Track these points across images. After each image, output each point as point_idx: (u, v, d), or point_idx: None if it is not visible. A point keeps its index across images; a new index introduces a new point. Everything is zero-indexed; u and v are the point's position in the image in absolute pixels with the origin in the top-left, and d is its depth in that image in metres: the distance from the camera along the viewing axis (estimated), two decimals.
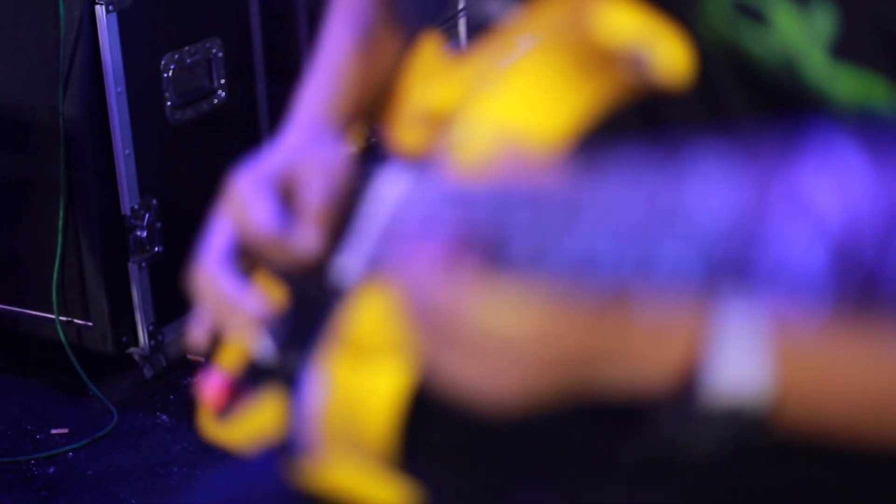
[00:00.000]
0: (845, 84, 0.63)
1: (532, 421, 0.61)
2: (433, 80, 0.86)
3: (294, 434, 0.81)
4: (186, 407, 2.43)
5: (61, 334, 2.44)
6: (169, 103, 2.47)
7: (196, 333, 0.88)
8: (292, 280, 0.86)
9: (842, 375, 0.56)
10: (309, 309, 0.84)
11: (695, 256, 0.50)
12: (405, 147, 0.85)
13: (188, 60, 2.50)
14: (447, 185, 0.68)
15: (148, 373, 2.51)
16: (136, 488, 2.21)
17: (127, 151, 2.37)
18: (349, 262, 0.82)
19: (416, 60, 0.90)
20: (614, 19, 0.66)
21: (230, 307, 0.84)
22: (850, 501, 0.71)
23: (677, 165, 0.52)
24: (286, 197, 0.86)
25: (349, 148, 0.90)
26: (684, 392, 0.56)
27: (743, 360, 0.55)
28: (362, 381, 0.74)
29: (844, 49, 0.62)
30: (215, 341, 0.89)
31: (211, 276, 0.85)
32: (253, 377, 0.88)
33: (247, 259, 0.87)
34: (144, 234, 2.44)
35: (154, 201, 2.46)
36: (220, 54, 2.58)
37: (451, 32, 0.97)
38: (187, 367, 2.54)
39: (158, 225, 2.47)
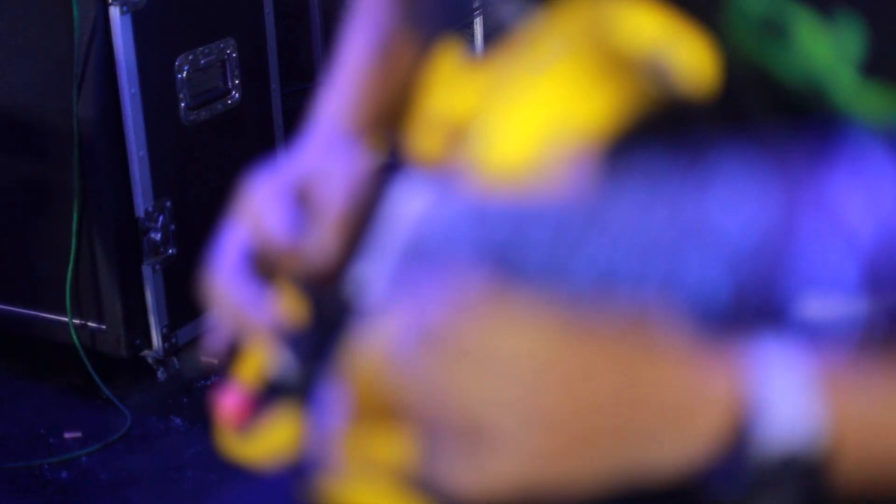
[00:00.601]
0: (874, 102, 0.61)
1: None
2: (452, 88, 0.85)
3: (313, 452, 0.79)
4: (200, 410, 2.43)
5: (75, 337, 2.43)
6: (183, 104, 2.47)
7: (213, 341, 0.86)
8: (311, 294, 0.85)
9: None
10: (328, 324, 0.82)
11: (722, 272, 0.48)
12: (425, 156, 0.83)
13: (202, 61, 2.50)
14: (468, 201, 0.67)
15: (162, 376, 2.51)
16: (150, 493, 2.21)
17: (141, 153, 2.37)
18: (368, 279, 0.80)
19: (435, 68, 0.89)
20: (635, 24, 0.64)
21: (246, 315, 0.82)
22: None
23: (702, 177, 0.50)
24: (303, 205, 0.85)
25: (368, 157, 0.89)
26: (733, 452, 0.53)
27: (792, 405, 0.52)
28: (376, 424, 0.72)
29: (873, 66, 0.61)
30: (232, 352, 0.88)
31: (226, 283, 0.84)
32: (271, 393, 0.86)
33: (263, 267, 0.85)
34: (158, 236, 2.43)
35: (168, 203, 2.45)
36: (235, 55, 2.57)
37: (466, 37, 0.95)
38: (201, 371, 2.54)
39: (173, 227, 2.46)
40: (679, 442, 0.54)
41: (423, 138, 0.84)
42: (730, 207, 0.49)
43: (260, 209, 0.84)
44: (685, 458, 0.54)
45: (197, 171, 2.52)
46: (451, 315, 0.59)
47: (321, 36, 3.02)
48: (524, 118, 0.71)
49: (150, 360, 2.50)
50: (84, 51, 2.29)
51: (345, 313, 0.81)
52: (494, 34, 0.81)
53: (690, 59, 0.62)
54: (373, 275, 0.79)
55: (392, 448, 0.70)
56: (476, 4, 1.20)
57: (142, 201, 2.39)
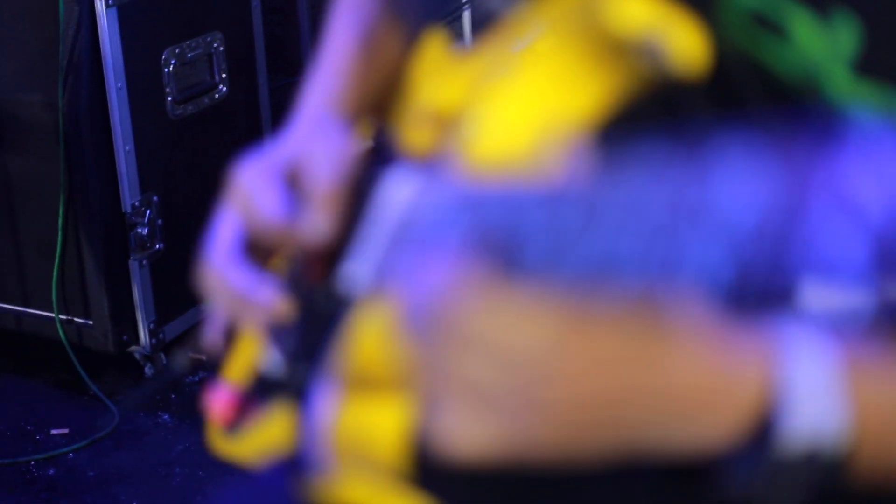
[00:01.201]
0: (867, 100, 0.61)
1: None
2: (440, 77, 0.84)
3: (304, 449, 0.78)
4: (188, 406, 2.43)
5: (61, 333, 2.42)
6: (170, 98, 2.46)
7: (209, 332, 0.85)
8: (301, 290, 0.84)
9: None
10: (318, 320, 0.81)
11: (724, 255, 0.47)
12: (413, 147, 0.83)
13: (189, 55, 2.49)
14: (458, 187, 0.66)
15: (149, 372, 2.50)
16: (137, 490, 2.20)
17: (127, 148, 2.36)
18: (358, 270, 0.79)
19: (421, 57, 0.88)
20: (627, 8, 0.63)
21: (243, 300, 0.81)
22: None
23: (701, 160, 0.49)
24: (293, 187, 0.84)
25: (356, 143, 0.88)
26: (755, 440, 0.52)
27: (818, 401, 0.51)
28: (373, 396, 0.72)
29: (868, 64, 0.60)
30: (223, 346, 0.86)
31: (220, 270, 0.83)
32: (261, 390, 0.85)
33: (256, 252, 0.84)
34: (145, 231, 2.42)
35: (155, 198, 2.44)
36: (222, 48, 2.57)
37: (455, 27, 0.95)
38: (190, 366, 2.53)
39: (160, 222, 2.45)
40: (702, 427, 0.53)
41: (412, 129, 0.84)
42: (730, 189, 0.48)
43: (250, 193, 0.83)
44: (706, 443, 0.54)
45: (184, 165, 2.51)
46: (449, 301, 0.58)
47: (309, 30, 3.00)
48: (514, 104, 0.70)
49: (137, 356, 2.49)
50: (69, 45, 2.28)
51: (335, 308, 0.80)
52: (482, 25, 0.80)
53: (683, 42, 0.61)
54: (362, 266, 0.79)
55: (388, 422, 0.69)
56: None
57: (128, 196, 2.38)
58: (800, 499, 0.53)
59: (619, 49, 0.64)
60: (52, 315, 2.42)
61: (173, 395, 2.47)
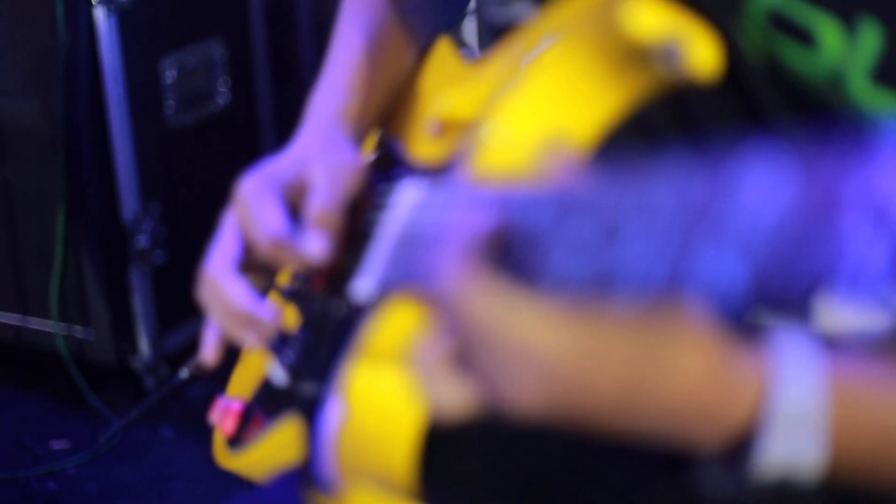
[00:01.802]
0: (885, 109, 0.61)
1: (563, 450, 0.59)
2: (450, 87, 0.84)
3: (310, 461, 0.77)
4: (190, 419, 2.42)
5: (61, 345, 2.41)
6: (170, 106, 2.45)
7: (207, 346, 0.84)
8: (304, 301, 0.83)
9: None
10: (323, 331, 0.81)
11: (739, 266, 0.46)
12: (422, 157, 0.82)
13: (189, 63, 2.49)
14: (470, 192, 0.66)
15: (150, 384, 2.48)
16: None
17: (127, 156, 2.36)
18: (364, 284, 0.78)
19: (430, 66, 0.88)
20: (646, 14, 0.63)
21: (241, 317, 0.80)
22: None
23: (715, 165, 0.49)
24: (295, 202, 0.84)
25: (362, 156, 0.88)
26: (732, 456, 0.54)
27: (798, 438, 0.53)
28: (382, 408, 0.71)
29: (886, 73, 0.61)
30: (225, 359, 0.86)
31: (219, 286, 0.82)
32: (265, 403, 0.84)
33: (257, 269, 0.83)
34: (146, 240, 2.41)
35: (155, 207, 2.43)
36: (223, 57, 2.56)
37: (456, 34, 0.94)
38: (191, 378, 2.52)
39: (160, 232, 2.44)
40: (691, 437, 0.55)
41: (422, 139, 0.84)
42: (748, 197, 0.47)
43: (250, 206, 0.83)
44: (692, 449, 0.56)
45: (185, 174, 2.51)
46: (459, 301, 0.58)
47: (310, 38, 3.00)
48: (527, 113, 0.70)
49: (138, 367, 2.48)
50: (69, 53, 2.27)
51: (342, 322, 0.79)
52: (489, 32, 0.80)
53: (702, 48, 0.62)
54: (368, 279, 0.78)
55: (396, 434, 0.70)
56: (471, 4, 1.19)
57: (129, 206, 2.38)
58: None
59: (637, 56, 0.65)
60: (52, 326, 2.41)
61: (175, 408, 2.46)
